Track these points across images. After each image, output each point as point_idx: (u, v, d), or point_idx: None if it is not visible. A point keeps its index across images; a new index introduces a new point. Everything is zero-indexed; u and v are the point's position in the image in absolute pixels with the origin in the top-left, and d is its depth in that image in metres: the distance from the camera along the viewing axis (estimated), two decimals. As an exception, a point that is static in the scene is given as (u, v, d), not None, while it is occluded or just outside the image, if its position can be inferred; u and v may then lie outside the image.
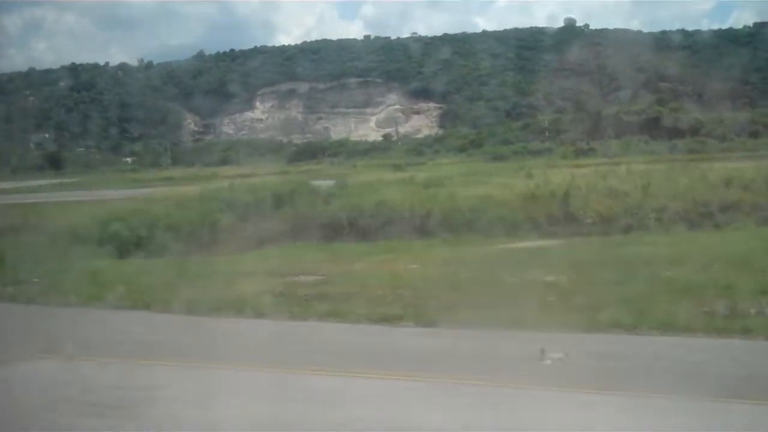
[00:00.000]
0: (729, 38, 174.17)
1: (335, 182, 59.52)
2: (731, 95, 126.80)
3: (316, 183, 58.86)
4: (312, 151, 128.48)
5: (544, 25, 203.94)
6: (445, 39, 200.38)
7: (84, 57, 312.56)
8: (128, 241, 31.54)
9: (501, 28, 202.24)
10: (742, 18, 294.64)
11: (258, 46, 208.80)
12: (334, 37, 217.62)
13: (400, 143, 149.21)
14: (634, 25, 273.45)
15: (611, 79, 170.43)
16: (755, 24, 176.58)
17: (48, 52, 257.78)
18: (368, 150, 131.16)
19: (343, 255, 26.73)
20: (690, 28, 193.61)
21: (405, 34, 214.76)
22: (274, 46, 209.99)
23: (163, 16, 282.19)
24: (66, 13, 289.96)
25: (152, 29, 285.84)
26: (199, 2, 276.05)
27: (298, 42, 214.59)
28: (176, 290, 20.19)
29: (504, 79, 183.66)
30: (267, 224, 35.80)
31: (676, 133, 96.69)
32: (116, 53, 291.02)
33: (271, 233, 33.61)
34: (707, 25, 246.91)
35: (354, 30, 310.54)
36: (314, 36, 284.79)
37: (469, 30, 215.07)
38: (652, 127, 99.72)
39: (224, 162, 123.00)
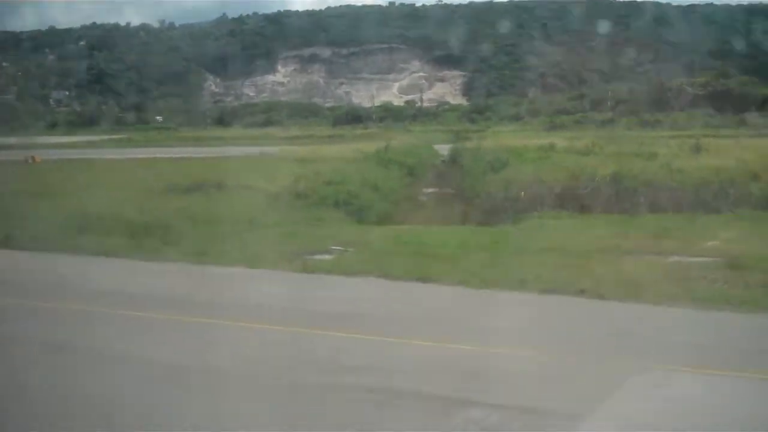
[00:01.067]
0: (757, 12, 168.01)
1: (451, 147, 56.69)
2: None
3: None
4: (356, 115, 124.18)
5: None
6: (471, 7, 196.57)
7: (100, 18, 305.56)
8: (358, 206, 27.92)
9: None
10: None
11: (282, 10, 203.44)
12: (357, 2, 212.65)
13: (438, 108, 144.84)
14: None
15: (645, 51, 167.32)
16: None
17: (64, 11, 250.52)
18: (415, 115, 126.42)
19: (652, 229, 22.68)
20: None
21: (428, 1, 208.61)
22: (298, 11, 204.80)
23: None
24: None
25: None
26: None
27: (319, 7, 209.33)
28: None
29: (532, 49, 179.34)
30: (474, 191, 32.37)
31: (740, 106, 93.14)
32: (132, 14, 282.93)
33: (495, 201, 29.91)
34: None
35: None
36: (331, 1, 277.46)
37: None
38: (711, 99, 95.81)
39: (266, 123, 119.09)
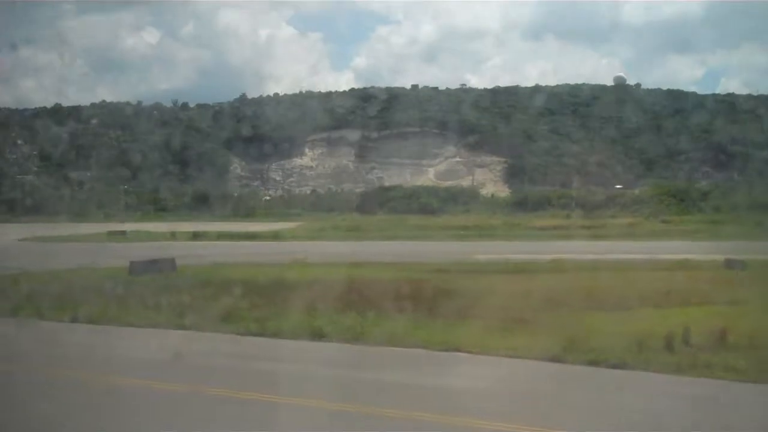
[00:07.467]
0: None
1: None
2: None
3: None
4: (535, 200, 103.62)
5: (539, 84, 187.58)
6: (496, 92, 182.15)
7: (76, 98, 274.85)
8: None
9: (493, 85, 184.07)
10: (729, 85, 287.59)
11: (305, 91, 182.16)
12: (381, 84, 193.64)
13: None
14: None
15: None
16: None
17: (36, 91, 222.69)
18: (606, 203, 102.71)
19: None
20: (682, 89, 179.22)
21: (451, 85, 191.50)
22: (321, 92, 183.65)
23: (155, 61, 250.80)
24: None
25: (142, 73, 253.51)
26: (191, 48, 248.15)
27: (344, 89, 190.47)
28: None
29: (568, 135, 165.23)
30: None
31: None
32: (106, 94, 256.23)
33: None
34: (697, 89, 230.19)
35: (344, 82, 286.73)
36: (305, 86, 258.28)
37: (464, 85, 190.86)
38: None
39: (421, 210, 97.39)
